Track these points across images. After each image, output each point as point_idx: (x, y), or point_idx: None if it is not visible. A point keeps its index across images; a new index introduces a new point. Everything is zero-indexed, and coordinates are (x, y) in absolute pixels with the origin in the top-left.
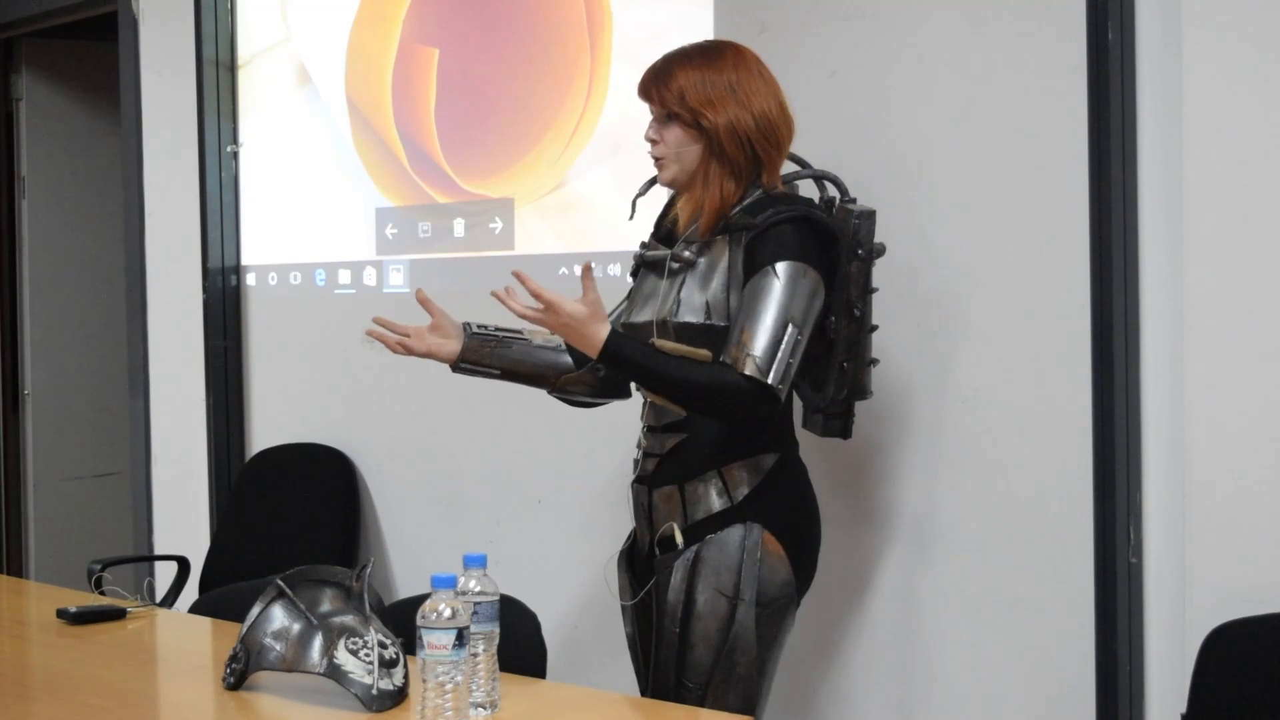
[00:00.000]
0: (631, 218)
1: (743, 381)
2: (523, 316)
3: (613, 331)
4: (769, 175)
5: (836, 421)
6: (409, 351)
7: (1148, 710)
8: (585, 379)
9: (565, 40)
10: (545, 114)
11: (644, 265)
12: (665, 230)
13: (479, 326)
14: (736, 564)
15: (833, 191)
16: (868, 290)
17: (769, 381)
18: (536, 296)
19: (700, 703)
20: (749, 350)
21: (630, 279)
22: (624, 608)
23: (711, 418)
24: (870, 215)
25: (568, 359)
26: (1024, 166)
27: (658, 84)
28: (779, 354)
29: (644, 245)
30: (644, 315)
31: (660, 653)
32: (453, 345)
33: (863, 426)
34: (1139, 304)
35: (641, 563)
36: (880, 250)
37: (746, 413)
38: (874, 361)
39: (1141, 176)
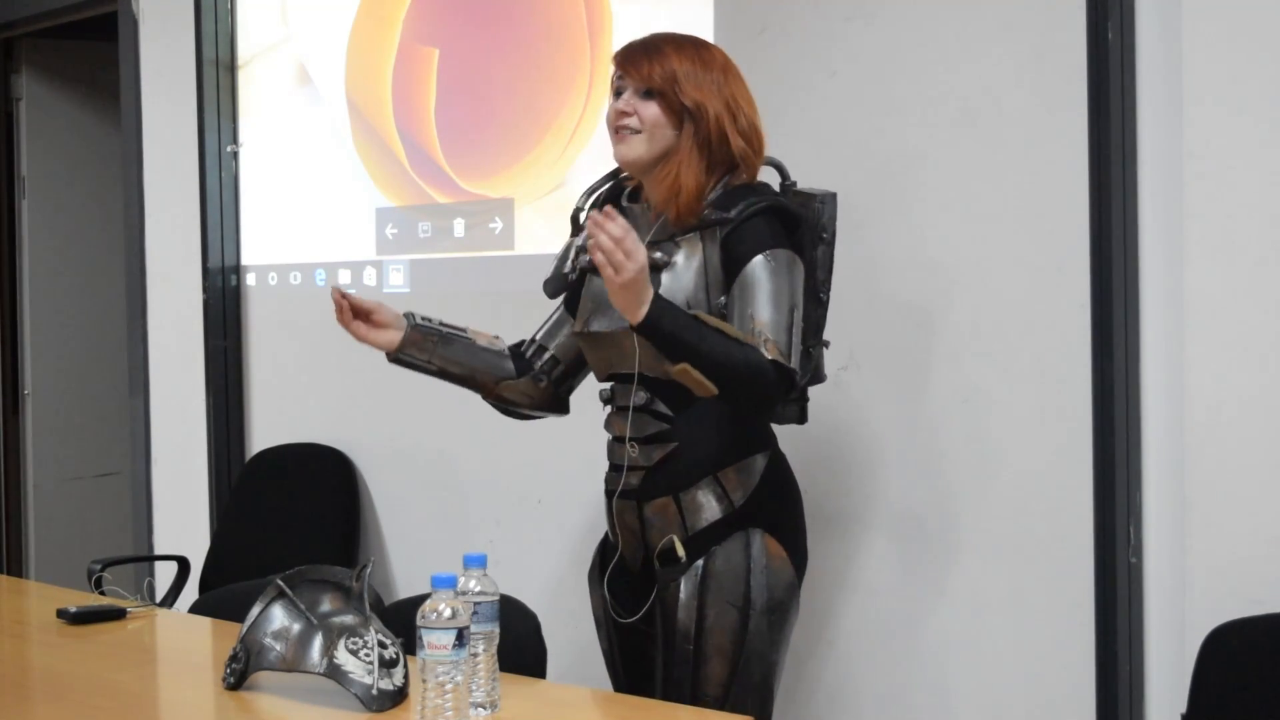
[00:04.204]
0: (575, 234)
1: (771, 366)
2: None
3: (658, 295)
4: (748, 177)
5: (793, 407)
6: (355, 334)
7: (1148, 710)
8: (525, 389)
9: (565, 40)
10: (545, 114)
11: (593, 269)
12: None
13: (423, 318)
14: (744, 573)
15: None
16: (831, 274)
17: (792, 365)
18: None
19: None
20: (767, 336)
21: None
22: (598, 623)
23: (739, 401)
24: (832, 198)
25: (509, 365)
26: (1024, 166)
27: (648, 58)
28: (793, 338)
29: (581, 248)
30: (608, 323)
31: (674, 671)
32: (390, 335)
33: (862, 425)
34: (1139, 304)
35: (628, 579)
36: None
37: (774, 399)
38: (826, 344)
39: (1141, 176)
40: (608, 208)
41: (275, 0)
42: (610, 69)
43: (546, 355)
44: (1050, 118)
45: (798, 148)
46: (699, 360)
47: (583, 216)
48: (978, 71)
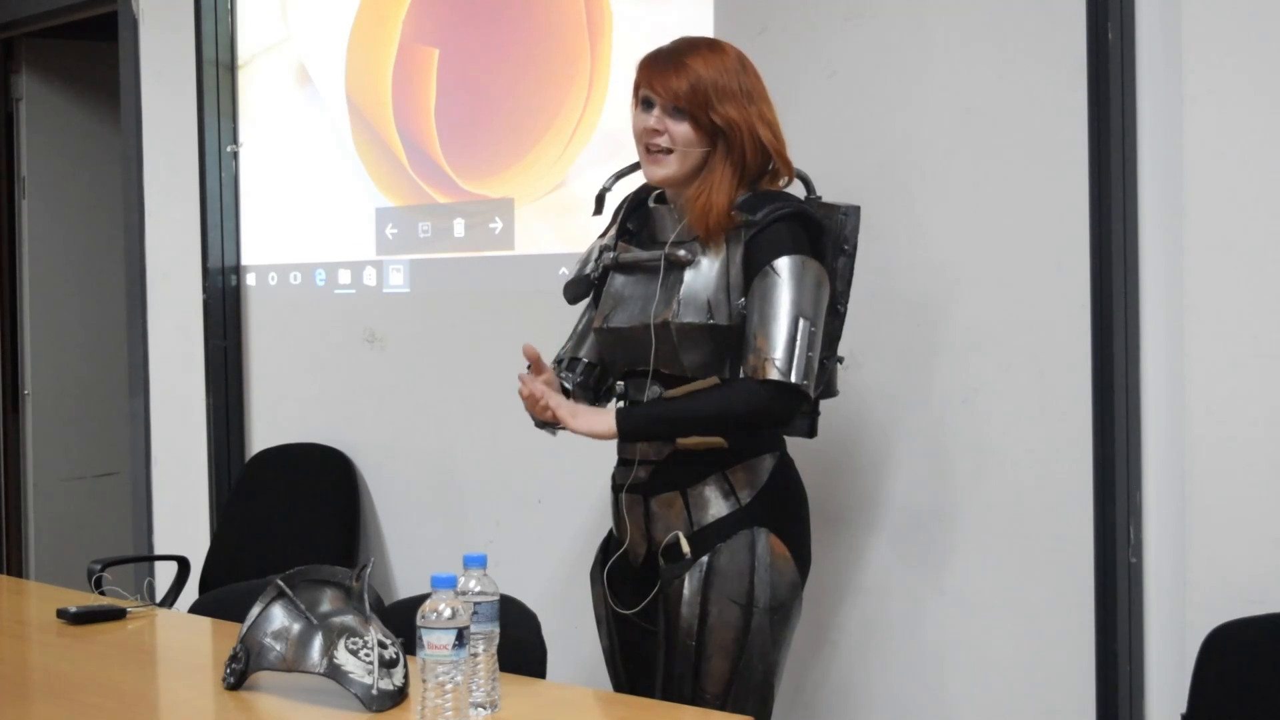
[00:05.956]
0: (598, 213)
1: (768, 388)
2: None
3: (617, 411)
4: (785, 175)
5: (802, 421)
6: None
7: (1148, 710)
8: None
9: (565, 41)
10: (545, 114)
11: (616, 267)
12: (628, 230)
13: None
14: (748, 571)
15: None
16: (849, 287)
17: (793, 380)
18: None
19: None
20: (766, 355)
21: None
22: (599, 620)
23: (749, 431)
24: (856, 211)
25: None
26: (1024, 166)
27: (675, 72)
28: (796, 350)
29: (606, 247)
30: (627, 318)
31: (675, 666)
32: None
33: (863, 426)
34: (1139, 304)
35: (630, 574)
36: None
37: (784, 416)
38: (840, 359)
39: (1141, 176)
40: (521, 374)
41: (275, 0)
42: (610, 69)
43: (583, 364)
44: (1050, 117)
45: (797, 148)
46: (688, 428)
47: (607, 198)
48: (978, 71)
